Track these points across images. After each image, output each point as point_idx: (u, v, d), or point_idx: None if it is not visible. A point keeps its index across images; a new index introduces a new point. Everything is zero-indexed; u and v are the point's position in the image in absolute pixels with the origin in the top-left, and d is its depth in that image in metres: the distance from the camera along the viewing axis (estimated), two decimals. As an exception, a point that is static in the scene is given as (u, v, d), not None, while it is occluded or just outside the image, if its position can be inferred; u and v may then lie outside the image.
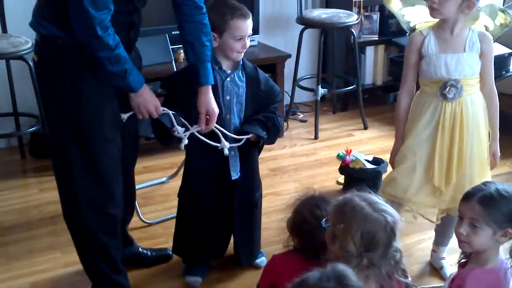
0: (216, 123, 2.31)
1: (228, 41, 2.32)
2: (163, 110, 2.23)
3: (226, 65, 2.38)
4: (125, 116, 2.21)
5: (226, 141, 2.32)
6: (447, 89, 2.36)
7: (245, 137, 2.37)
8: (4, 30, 3.53)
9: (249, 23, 2.33)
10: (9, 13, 3.50)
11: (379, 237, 1.67)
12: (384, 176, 3.27)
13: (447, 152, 2.41)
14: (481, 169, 2.45)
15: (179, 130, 2.25)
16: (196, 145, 2.33)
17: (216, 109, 2.30)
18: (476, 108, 2.41)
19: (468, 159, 2.41)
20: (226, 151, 2.31)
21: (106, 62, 2.04)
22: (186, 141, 2.27)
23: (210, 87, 2.30)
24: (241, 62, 2.40)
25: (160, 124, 2.26)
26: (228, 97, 2.38)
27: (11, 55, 3.27)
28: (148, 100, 2.19)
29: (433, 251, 2.73)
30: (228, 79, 2.37)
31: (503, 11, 2.54)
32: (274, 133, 2.47)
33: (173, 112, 2.25)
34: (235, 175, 2.46)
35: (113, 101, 2.18)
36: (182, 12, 2.27)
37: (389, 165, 3.27)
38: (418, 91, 2.51)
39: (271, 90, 2.48)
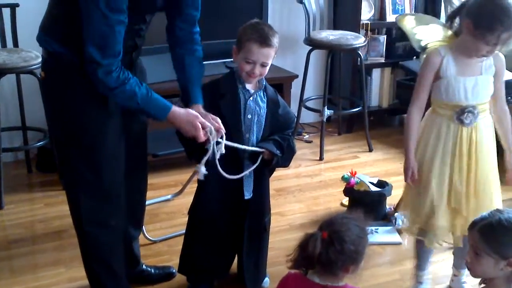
0: (234, 141, 2.32)
1: (240, 60, 2.34)
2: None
3: (249, 85, 2.39)
4: (203, 170, 2.23)
5: (244, 154, 2.33)
6: (465, 115, 2.35)
7: (258, 149, 2.37)
8: (16, 45, 3.56)
9: (265, 51, 2.29)
10: (21, 27, 3.53)
11: None
12: (389, 199, 3.29)
13: (466, 177, 2.40)
14: (496, 192, 2.45)
15: (201, 168, 2.25)
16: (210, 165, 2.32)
17: (216, 117, 2.28)
18: (488, 131, 2.42)
19: (484, 183, 2.41)
20: (201, 176, 2.28)
21: (115, 98, 2.08)
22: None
23: (201, 106, 2.30)
24: (264, 84, 2.42)
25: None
26: (249, 116, 2.40)
27: (21, 69, 3.30)
28: (183, 127, 2.18)
29: (454, 275, 2.70)
30: (251, 98, 2.39)
31: None
32: (288, 155, 2.49)
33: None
34: (248, 195, 2.47)
35: (117, 117, 2.20)
36: (175, 40, 2.32)
37: (393, 188, 3.31)
38: (428, 111, 2.48)
39: (288, 115, 2.52)
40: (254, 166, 2.39)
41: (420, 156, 2.46)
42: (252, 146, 2.41)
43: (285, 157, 2.47)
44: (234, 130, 2.34)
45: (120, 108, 2.18)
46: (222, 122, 2.26)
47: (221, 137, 2.25)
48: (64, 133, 2.20)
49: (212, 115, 2.27)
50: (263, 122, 2.42)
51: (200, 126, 2.18)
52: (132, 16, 2.03)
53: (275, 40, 2.32)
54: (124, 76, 2.06)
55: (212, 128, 2.21)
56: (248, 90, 2.39)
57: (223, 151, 2.26)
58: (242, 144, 2.36)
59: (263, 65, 2.32)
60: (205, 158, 2.23)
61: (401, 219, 3.06)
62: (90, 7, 1.95)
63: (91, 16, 1.96)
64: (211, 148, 2.23)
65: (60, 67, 2.12)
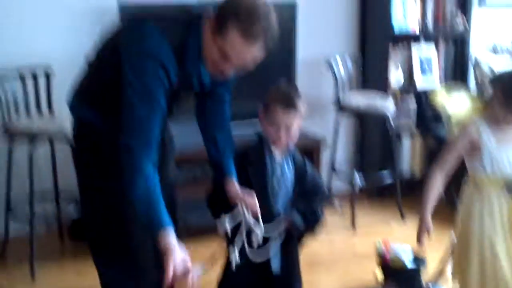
0: (261, 208, 2.28)
1: (266, 124, 2.35)
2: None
3: (277, 152, 2.39)
4: (236, 258, 2.20)
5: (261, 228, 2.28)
6: None
7: (280, 223, 2.34)
8: (51, 112, 3.64)
9: (291, 115, 2.30)
10: (56, 94, 3.61)
11: None
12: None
13: None
14: None
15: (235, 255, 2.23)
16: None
17: (251, 192, 2.27)
18: None
19: None
20: (233, 265, 2.24)
21: (130, 184, 1.99)
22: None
23: (234, 179, 2.30)
24: (291, 150, 2.42)
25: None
26: (276, 184, 2.39)
27: (56, 136, 3.36)
28: (175, 257, 1.91)
29: None
30: (279, 166, 2.39)
31: None
32: (313, 224, 2.44)
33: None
34: (276, 269, 2.42)
35: None
36: (204, 117, 2.35)
37: (427, 259, 3.23)
38: (469, 187, 2.45)
39: (316, 184, 2.49)
40: (278, 242, 2.35)
41: (479, 237, 2.40)
42: (278, 214, 2.37)
43: (310, 227, 2.42)
44: (261, 197, 2.32)
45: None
46: (249, 188, 2.25)
47: (256, 219, 2.23)
48: (92, 206, 2.20)
49: (248, 193, 2.25)
50: (290, 190, 2.41)
51: (190, 268, 1.94)
52: (168, 101, 2.06)
53: (300, 104, 2.32)
54: (153, 168, 1.98)
55: (246, 214, 2.20)
56: (275, 158, 2.39)
57: (260, 241, 2.24)
58: (268, 212, 2.32)
59: (289, 129, 2.32)
60: (236, 252, 2.20)
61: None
62: (131, 93, 1.97)
63: (132, 103, 1.97)
64: (243, 235, 2.21)
65: (89, 136, 2.15)
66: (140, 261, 2.21)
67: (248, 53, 1.98)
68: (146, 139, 1.98)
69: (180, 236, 2.54)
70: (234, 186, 2.28)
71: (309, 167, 2.47)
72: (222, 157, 2.31)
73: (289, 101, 2.31)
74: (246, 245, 2.24)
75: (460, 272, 2.53)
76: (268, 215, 2.32)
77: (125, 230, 2.18)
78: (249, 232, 2.24)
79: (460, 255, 2.54)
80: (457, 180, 2.65)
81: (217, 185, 2.34)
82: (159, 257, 2.26)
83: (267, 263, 2.39)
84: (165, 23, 2.02)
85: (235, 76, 2.25)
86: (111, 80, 2.04)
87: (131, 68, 1.98)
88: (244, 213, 2.21)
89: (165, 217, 1.95)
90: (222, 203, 2.27)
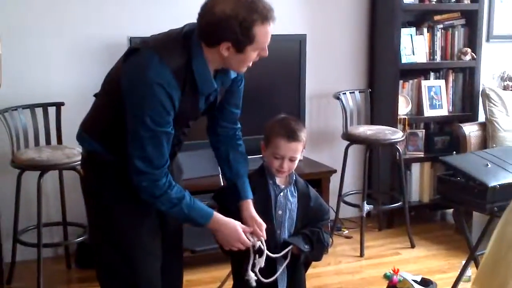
0: (266, 237, 2.29)
1: (268, 156, 2.35)
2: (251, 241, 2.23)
3: (279, 180, 2.39)
4: (252, 276, 2.23)
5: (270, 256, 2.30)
6: None
7: (285, 250, 2.33)
8: (60, 142, 3.66)
9: (292, 145, 2.31)
10: (65, 125, 3.64)
11: None
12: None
13: None
14: None
15: (251, 275, 2.24)
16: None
17: (262, 223, 2.29)
18: None
19: None
20: (253, 283, 2.26)
21: (158, 203, 2.08)
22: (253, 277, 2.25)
23: (251, 201, 2.31)
24: (294, 178, 2.41)
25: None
26: (280, 212, 2.38)
27: (64, 166, 3.37)
28: (227, 235, 2.19)
29: None
30: (282, 194, 2.38)
31: None
32: (319, 248, 2.41)
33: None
34: (283, 292, 2.41)
35: (152, 215, 2.20)
36: (217, 139, 2.35)
37: (438, 286, 3.19)
38: None
39: (320, 207, 2.47)
40: (285, 264, 2.34)
41: None
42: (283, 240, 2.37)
43: (315, 251, 2.40)
44: (267, 229, 2.32)
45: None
46: None
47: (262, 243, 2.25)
48: (100, 230, 2.20)
49: (258, 220, 2.27)
50: (295, 217, 2.39)
51: (243, 236, 2.19)
52: (176, 124, 2.08)
53: (303, 135, 2.33)
54: (169, 182, 2.07)
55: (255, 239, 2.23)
56: (278, 186, 2.38)
57: (262, 264, 2.25)
58: (273, 240, 2.32)
59: (292, 160, 2.33)
60: (250, 264, 2.23)
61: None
62: (136, 120, 1.99)
63: (137, 131, 1.99)
64: (253, 255, 2.23)
65: (96, 165, 2.16)
66: (143, 281, 2.19)
67: (268, 33, 2.05)
68: (159, 162, 2.03)
69: (187, 263, 2.55)
70: (249, 209, 2.29)
71: (311, 191, 2.46)
72: (236, 178, 2.32)
73: (292, 133, 2.32)
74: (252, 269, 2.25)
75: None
76: (273, 242, 2.32)
77: (130, 255, 2.17)
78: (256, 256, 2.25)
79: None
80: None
81: (228, 183, 2.38)
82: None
83: (274, 285, 2.37)
84: (165, 50, 2.02)
85: (242, 90, 2.31)
86: (115, 113, 2.06)
87: (133, 100, 1.99)
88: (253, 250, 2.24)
89: (204, 210, 2.15)
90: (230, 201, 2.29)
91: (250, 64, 2.12)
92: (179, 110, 2.03)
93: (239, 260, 2.31)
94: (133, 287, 2.19)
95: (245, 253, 2.26)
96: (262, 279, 2.27)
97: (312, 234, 2.39)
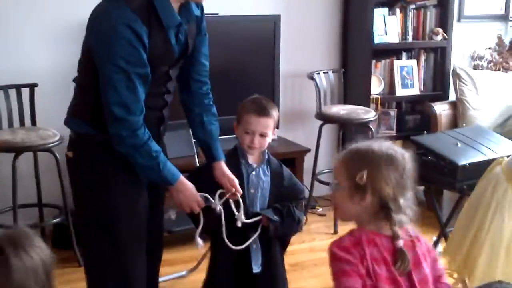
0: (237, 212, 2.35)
1: (240, 133, 2.40)
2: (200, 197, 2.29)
3: (251, 159, 2.43)
4: (173, 215, 2.31)
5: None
6: None
7: (254, 219, 2.38)
8: (34, 123, 3.65)
9: (262, 121, 2.37)
10: (39, 106, 3.63)
11: (405, 176, 1.63)
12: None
13: None
14: None
15: (216, 202, 2.31)
16: (220, 237, 2.35)
17: (234, 178, 2.35)
18: None
19: None
20: (239, 223, 2.33)
21: (137, 157, 2.09)
22: (220, 209, 2.32)
23: (223, 162, 2.37)
24: (266, 157, 2.45)
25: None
26: (252, 191, 2.42)
27: (39, 147, 3.36)
28: (187, 196, 2.24)
29: None
30: (254, 172, 2.42)
31: None
32: (289, 222, 2.44)
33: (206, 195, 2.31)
34: (256, 268, 2.45)
35: (145, 194, 2.23)
36: (191, 96, 2.37)
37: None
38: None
39: (294, 186, 2.52)
40: (256, 235, 2.39)
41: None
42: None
43: (286, 224, 2.43)
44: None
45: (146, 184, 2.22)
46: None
47: (238, 203, 2.32)
48: (91, 213, 2.20)
49: (230, 176, 2.33)
50: (267, 196, 2.44)
51: (199, 197, 2.26)
52: (155, 68, 2.08)
53: (273, 112, 2.39)
54: (148, 134, 2.10)
55: (217, 199, 2.30)
56: (250, 164, 2.42)
57: (243, 219, 2.33)
58: (246, 215, 2.37)
59: (263, 135, 2.38)
60: (199, 230, 2.32)
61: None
62: (109, 67, 2.00)
63: (111, 76, 2.01)
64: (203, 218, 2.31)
65: (90, 147, 2.16)
66: (129, 272, 2.21)
67: None
68: (135, 107, 2.05)
69: (166, 243, 2.57)
70: (222, 168, 2.35)
71: (285, 171, 2.50)
72: (210, 140, 2.37)
73: (262, 109, 2.38)
74: (225, 235, 2.31)
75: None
76: (245, 218, 2.36)
77: (119, 239, 2.18)
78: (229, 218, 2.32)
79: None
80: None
81: (203, 166, 2.45)
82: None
83: (249, 262, 2.42)
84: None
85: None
86: (96, 87, 2.07)
87: (103, 48, 2.01)
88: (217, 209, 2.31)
89: (174, 169, 2.19)
90: (205, 182, 2.34)
91: None
92: (151, 48, 2.04)
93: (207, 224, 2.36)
94: (121, 273, 2.20)
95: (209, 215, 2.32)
96: (231, 246, 2.32)
97: (282, 207, 2.43)
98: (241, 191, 2.34)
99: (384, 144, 1.72)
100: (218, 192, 2.32)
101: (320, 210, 4.42)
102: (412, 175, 1.69)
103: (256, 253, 2.45)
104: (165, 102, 2.25)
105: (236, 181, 2.33)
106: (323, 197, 4.56)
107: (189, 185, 2.26)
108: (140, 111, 2.06)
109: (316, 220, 4.27)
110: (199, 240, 2.32)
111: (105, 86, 2.04)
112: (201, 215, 2.30)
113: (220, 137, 2.49)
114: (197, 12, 2.23)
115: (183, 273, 3.44)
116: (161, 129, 2.30)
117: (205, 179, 2.39)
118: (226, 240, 2.32)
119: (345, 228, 4.37)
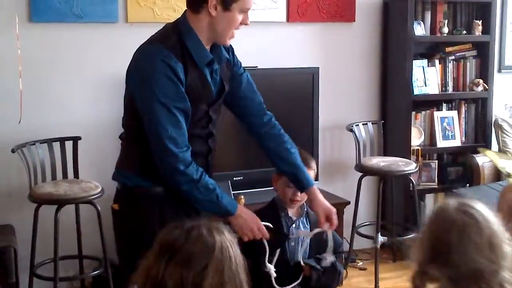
0: (280, 267, 2.31)
1: (281, 186, 2.43)
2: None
3: (291, 212, 2.43)
4: (272, 268, 2.27)
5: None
6: None
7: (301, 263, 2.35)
8: (76, 176, 3.71)
9: None
10: (82, 159, 3.70)
11: None
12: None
13: None
14: None
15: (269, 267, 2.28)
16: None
17: (332, 207, 2.33)
18: None
19: None
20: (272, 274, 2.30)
21: (196, 192, 2.10)
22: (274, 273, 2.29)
23: (316, 188, 2.35)
24: (305, 209, 2.44)
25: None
26: (293, 243, 2.40)
27: (81, 199, 3.40)
28: (247, 220, 2.20)
29: None
30: (294, 225, 2.41)
31: None
32: (330, 273, 2.42)
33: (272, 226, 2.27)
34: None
35: None
36: (260, 136, 2.38)
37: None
38: None
39: (333, 239, 2.49)
40: (296, 283, 2.35)
41: None
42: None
43: (328, 275, 2.41)
44: (279, 258, 2.34)
45: None
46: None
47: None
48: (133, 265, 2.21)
49: (327, 207, 2.33)
50: (308, 249, 2.41)
51: (261, 223, 2.22)
52: (193, 102, 2.11)
53: (313, 163, 2.43)
54: (200, 169, 2.11)
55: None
56: (290, 217, 2.41)
57: (273, 272, 2.30)
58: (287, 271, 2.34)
59: None
60: (267, 257, 2.28)
61: None
62: (149, 103, 2.05)
63: (154, 112, 2.05)
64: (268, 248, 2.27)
65: (136, 198, 2.18)
66: None
67: None
68: (182, 141, 2.07)
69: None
70: (317, 195, 2.34)
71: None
72: (295, 169, 2.35)
73: (303, 161, 2.38)
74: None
75: None
76: (286, 270, 2.35)
77: None
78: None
79: None
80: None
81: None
82: None
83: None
84: (156, 37, 2.15)
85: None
86: (144, 138, 2.11)
87: (142, 86, 2.07)
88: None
89: (230, 197, 2.19)
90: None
91: (234, 36, 2.18)
92: (188, 84, 2.09)
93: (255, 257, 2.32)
94: None
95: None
96: (275, 285, 2.28)
97: (323, 258, 2.40)
98: (337, 222, 2.31)
99: None
100: (267, 255, 2.28)
101: (360, 263, 4.34)
102: None
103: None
104: (209, 147, 2.27)
105: (334, 211, 2.31)
106: (364, 251, 4.50)
107: (248, 210, 2.24)
108: (187, 146, 2.09)
109: (356, 274, 4.19)
110: (270, 266, 2.28)
111: (150, 123, 2.08)
112: (265, 242, 2.26)
113: (259, 189, 2.49)
114: (226, 55, 2.27)
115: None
116: (209, 159, 2.30)
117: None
118: (274, 283, 2.28)
119: (386, 283, 4.32)
